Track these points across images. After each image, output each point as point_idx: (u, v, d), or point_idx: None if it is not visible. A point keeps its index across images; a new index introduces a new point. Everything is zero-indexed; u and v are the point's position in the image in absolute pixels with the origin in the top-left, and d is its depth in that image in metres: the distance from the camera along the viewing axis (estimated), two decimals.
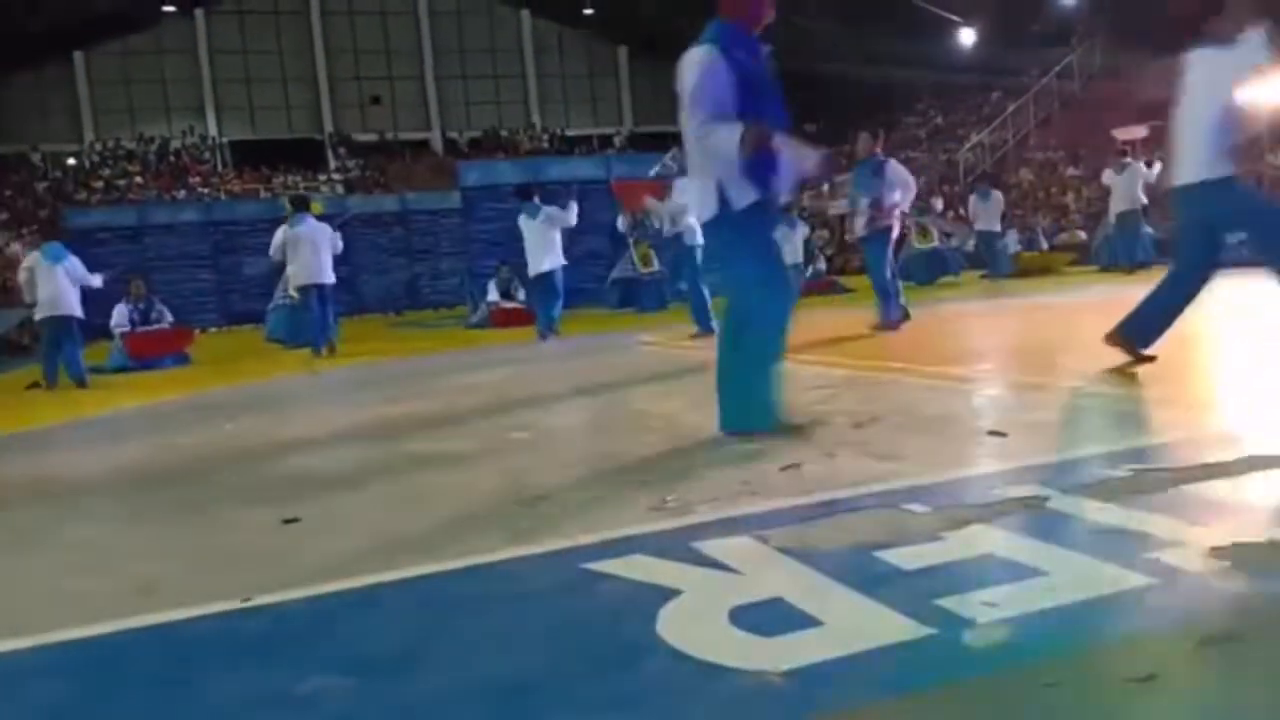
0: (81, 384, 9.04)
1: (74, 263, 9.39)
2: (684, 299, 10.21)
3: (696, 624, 1.86)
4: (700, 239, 7.94)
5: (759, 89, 3.58)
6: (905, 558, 2.13)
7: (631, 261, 13.89)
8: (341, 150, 33.74)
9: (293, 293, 11.11)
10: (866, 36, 25.23)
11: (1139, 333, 4.52)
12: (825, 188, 16.02)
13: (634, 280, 13.91)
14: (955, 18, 25.96)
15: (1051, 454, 3.03)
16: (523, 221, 10.22)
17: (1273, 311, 5.67)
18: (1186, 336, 4.94)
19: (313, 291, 10.49)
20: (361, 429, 5.11)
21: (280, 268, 11.28)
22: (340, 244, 10.69)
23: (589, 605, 2.06)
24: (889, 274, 8.29)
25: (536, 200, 10.28)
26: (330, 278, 10.63)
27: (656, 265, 13.58)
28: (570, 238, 13.42)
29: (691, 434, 4.03)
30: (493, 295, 13.29)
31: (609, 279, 14.35)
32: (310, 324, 10.60)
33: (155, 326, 11.14)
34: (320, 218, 10.94)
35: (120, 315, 11.08)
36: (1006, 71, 24.89)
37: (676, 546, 2.33)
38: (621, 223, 14.23)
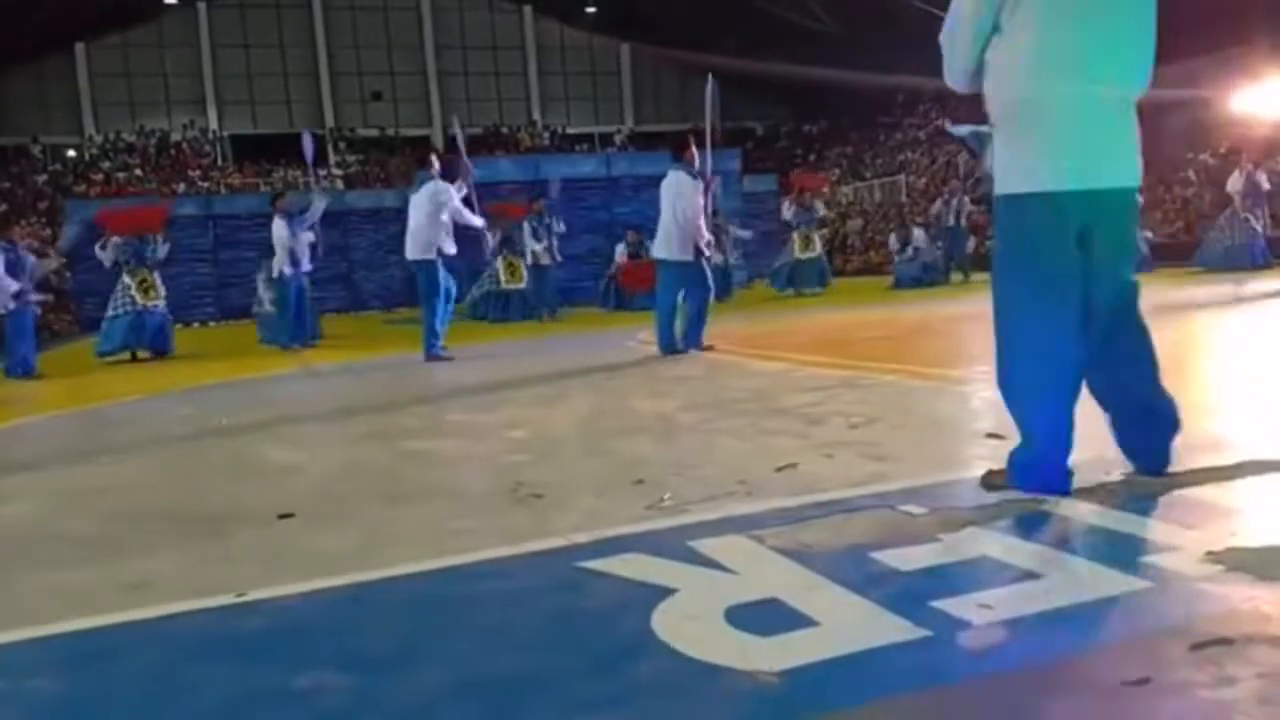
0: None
1: None
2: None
3: (692, 623, 1.86)
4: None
5: None
6: (901, 559, 2.13)
7: (497, 276, 13.91)
8: (342, 145, 33.70)
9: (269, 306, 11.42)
10: (867, 39, 25.21)
11: None
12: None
13: (499, 294, 13.87)
14: None
15: None
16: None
17: (1268, 317, 5.68)
18: (1182, 342, 4.96)
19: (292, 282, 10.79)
20: (356, 425, 5.11)
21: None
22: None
23: (584, 604, 2.06)
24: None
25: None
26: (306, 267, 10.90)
27: (525, 279, 13.75)
28: (571, 236, 13.71)
29: (688, 433, 4.03)
30: (620, 256, 14.35)
31: (473, 294, 14.22)
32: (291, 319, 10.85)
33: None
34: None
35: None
36: None
37: (672, 546, 2.33)
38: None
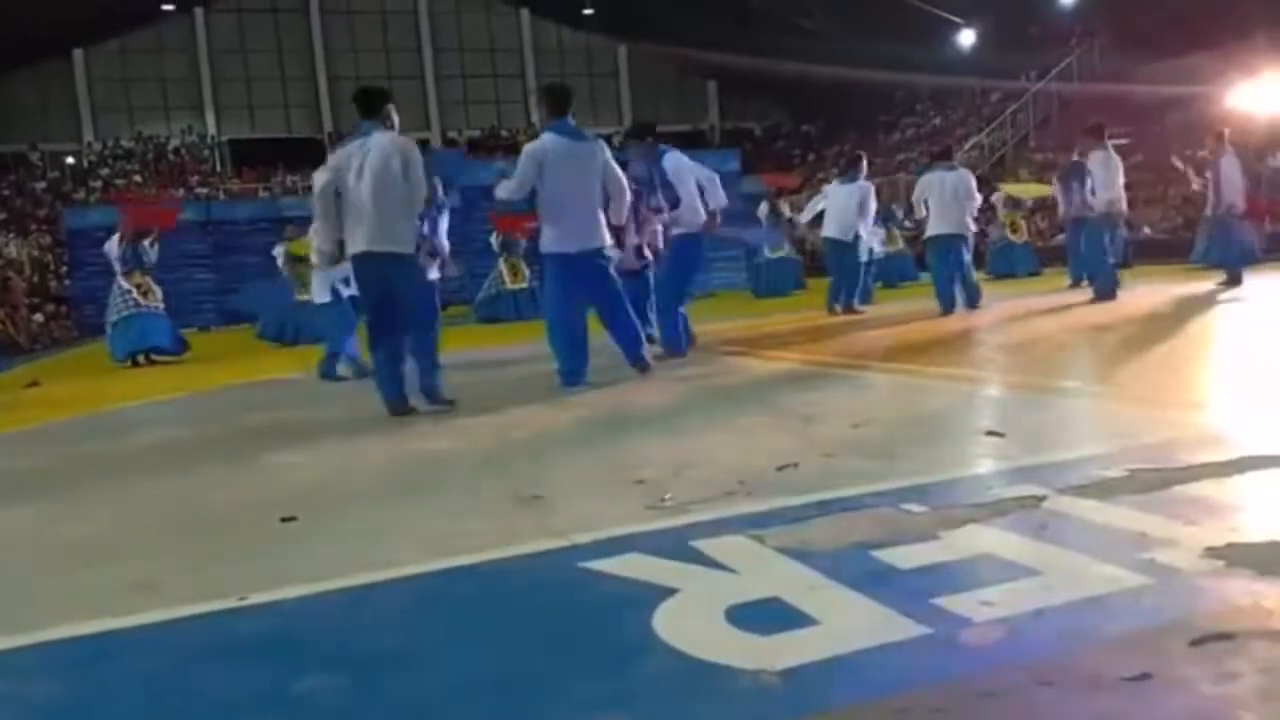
0: None
1: None
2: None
3: (693, 623, 1.86)
4: None
5: None
6: (902, 557, 2.13)
7: (501, 277, 13.99)
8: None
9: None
10: (866, 38, 25.24)
11: None
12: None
13: (501, 295, 13.97)
14: (955, 19, 25.95)
15: (1048, 454, 3.03)
16: None
17: (1265, 314, 5.68)
18: (1180, 338, 4.96)
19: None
20: (358, 427, 5.10)
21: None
22: None
23: (585, 604, 2.06)
24: None
25: None
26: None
27: (527, 280, 13.71)
28: None
29: (688, 432, 4.03)
30: None
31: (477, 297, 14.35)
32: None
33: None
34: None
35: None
36: (1006, 73, 24.88)
37: (673, 545, 2.33)
38: (494, 241, 14.35)
